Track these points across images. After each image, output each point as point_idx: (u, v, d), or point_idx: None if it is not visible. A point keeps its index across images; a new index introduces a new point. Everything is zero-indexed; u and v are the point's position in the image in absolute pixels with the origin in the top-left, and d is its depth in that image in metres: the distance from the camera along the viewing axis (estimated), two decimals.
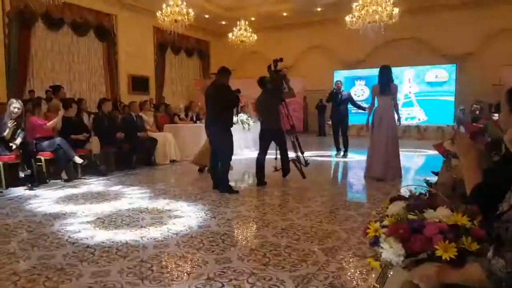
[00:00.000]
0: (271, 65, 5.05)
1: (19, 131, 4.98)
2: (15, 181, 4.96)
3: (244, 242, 3.01)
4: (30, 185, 4.86)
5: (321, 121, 14.03)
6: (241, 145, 8.57)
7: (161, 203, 4.17)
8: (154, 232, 3.19)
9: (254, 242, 2.99)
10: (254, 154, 8.54)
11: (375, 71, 5.87)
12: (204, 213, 3.79)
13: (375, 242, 1.18)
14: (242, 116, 8.38)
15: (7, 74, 9.35)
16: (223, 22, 15.29)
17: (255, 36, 12.44)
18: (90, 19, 11.30)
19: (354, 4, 9.27)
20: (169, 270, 2.48)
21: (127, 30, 12.49)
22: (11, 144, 4.90)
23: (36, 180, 4.98)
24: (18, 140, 4.89)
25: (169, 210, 3.88)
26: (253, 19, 14.31)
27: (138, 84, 13.10)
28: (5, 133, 4.87)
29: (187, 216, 3.69)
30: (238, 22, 12.29)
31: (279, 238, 3.06)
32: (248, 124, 8.40)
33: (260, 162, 5.04)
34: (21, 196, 4.49)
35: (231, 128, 4.75)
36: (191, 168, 6.31)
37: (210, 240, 3.00)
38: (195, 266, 2.52)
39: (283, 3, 13.40)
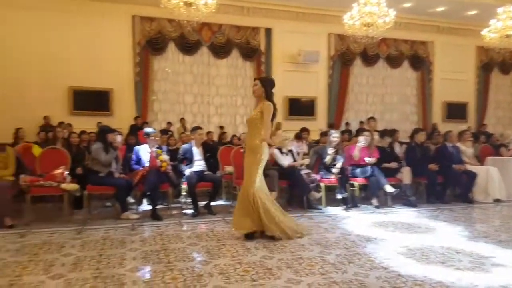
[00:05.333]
0: None
1: (338, 157, 5.91)
2: (332, 202, 5.87)
3: None
4: (345, 206, 5.62)
5: None
6: None
7: (482, 247, 3.69)
8: (474, 278, 2.88)
9: None
10: None
11: None
12: None
13: None
14: None
15: (328, 108, 11.49)
16: None
17: None
18: (405, 50, 12.01)
19: None
20: None
21: (444, 55, 12.28)
22: (331, 169, 5.88)
23: (350, 202, 5.70)
24: (339, 165, 5.80)
25: (493, 257, 3.36)
26: None
27: (454, 111, 12.47)
28: (326, 159, 5.92)
29: None
30: None
31: None
32: None
33: None
34: (337, 215, 5.24)
35: None
36: None
37: None
38: None
39: None
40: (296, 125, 9.34)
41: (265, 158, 4.03)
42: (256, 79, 4.20)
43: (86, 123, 8.62)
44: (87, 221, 4.79)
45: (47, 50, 9.02)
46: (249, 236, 3.95)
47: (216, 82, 10.65)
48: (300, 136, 7.41)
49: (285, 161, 5.75)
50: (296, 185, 5.60)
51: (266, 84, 4.05)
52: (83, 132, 6.82)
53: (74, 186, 4.90)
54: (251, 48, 10.71)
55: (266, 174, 5.34)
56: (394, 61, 12.02)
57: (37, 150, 5.67)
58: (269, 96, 4.01)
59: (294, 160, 5.87)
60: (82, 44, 9.27)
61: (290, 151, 5.94)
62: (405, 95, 12.38)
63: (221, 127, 10.12)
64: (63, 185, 4.82)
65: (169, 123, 9.61)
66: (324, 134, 7.76)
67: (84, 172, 5.35)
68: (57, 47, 9.08)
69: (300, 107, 11.13)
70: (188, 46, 10.25)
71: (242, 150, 5.57)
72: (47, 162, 5.25)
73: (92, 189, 4.96)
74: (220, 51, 10.51)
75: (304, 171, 5.74)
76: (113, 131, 5.32)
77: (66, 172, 5.00)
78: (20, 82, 8.79)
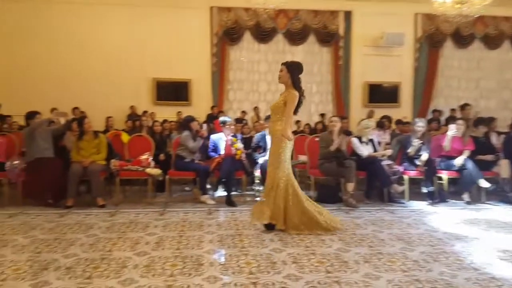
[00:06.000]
0: None
1: (423, 148, 5.52)
2: (417, 195, 5.53)
3: None
4: (431, 201, 5.25)
5: None
6: None
7: None
8: None
9: None
10: None
11: None
12: None
13: None
14: None
15: (414, 94, 10.78)
16: None
17: None
18: (506, 28, 10.73)
19: None
20: None
21: None
22: (415, 161, 5.52)
23: (437, 197, 5.30)
24: (424, 156, 5.42)
25: None
26: None
27: None
28: (409, 150, 5.56)
29: None
30: None
31: None
32: None
33: None
34: (422, 210, 4.92)
35: None
36: None
37: None
38: None
39: None
40: (377, 112, 8.96)
41: (289, 146, 3.84)
42: (282, 64, 3.88)
43: (168, 112, 9.20)
44: (168, 203, 5.16)
45: (133, 44, 9.76)
46: (269, 227, 3.85)
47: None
48: (382, 124, 7.07)
49: (365, 150, 5.52)
50: (376, 176, 5.36)
51: (292, 69, 3.80)
52: (165, 121, 7.29)
53: (157, 171, 5.29)
54: (328, 32, 10.44)
55: (342, 164, 5.23)
56: (492, 42, 10.81)
57: (125, 137, 6.19)
58: (295, 83, 3.79)
59: (375, 150, 5.62)
60: (164, 38, 9.87)
61: (371, 140, 5.70)
62: (505, 79, 11.09)
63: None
64: (148, 170, 5.23)
65: (243, 112, 9.84)
66: (399, 122, 7.31)
67: (166, 158, 5.75)
68: (141, 41, 9.78)
69: (382, 94, 10.62)
70: (263, 34, 10.32)
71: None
72: (134, 148, 5.75)
73: (173, 174, 5.33)
74: (296, 37, 10.41)
75: (385, 162, 5.48)
76: (195, 120, 5.63)
77: (151, 158, 5.42)
78: (110, 75, 9.65)
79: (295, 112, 3.82)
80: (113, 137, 6.15)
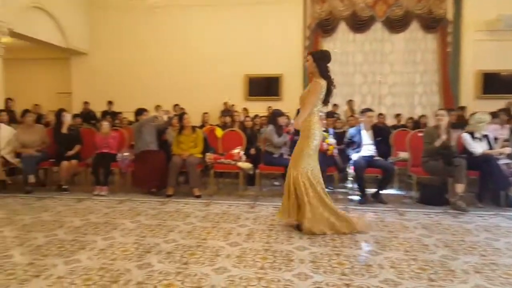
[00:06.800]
0: None
1: None
2: None
3: None
4: None
5: None
6: None
7: None
8: None
9: None
10: None
11: None
12: None
13: None
14: None
15: None
16: None
17: None
18: None
19: None
20: None
21: None
22: None
23: None
24: None
25: None
26: None
27: None
28: None
29: None
30: None
31: None
32: None
33: None
34: None
35: None
36: None
37: None
38: None
39: None
40: (493, 105, 7.96)
41: (317, 142, 3.74)
42: (308, 53, 3.88)
43: (259, 108, 9.41)
44: (258, 197, 5.27)
45: (228, 42, 10.17)
46: (299, 227, 3.72)
47: (390, 59, 10.02)
48: (498, 117, 6.27)
49: (478, 148, 4.96)
50: (491, 177, 4.77)
51: (318, 58, 3.77)
52: (256, 116, 7.45)
53: (248, 165, 5.46)
54: (434, 18, 9.60)
55: (450, 162, 4.75)
56: None
57: (219, 132, 6.49)
58: (323, 72, 3.73)
59: (490, 148, 5.01)
60: (257, 33, 10.10)
61: (486, 136, 5.09)
62: None
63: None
64: (239, 164, 5.42)
65: (335, 105, 9.56)
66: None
67: (256, 153, 5.88)
68: (236, 38, 10.15)
69: (500, 83, 9.41)
70: (359, 24, 9.91)
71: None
72: (227, 142, 6.00)
73: (263, 169, 5.43)
74: (396, 25, 9.79)
75: (503, 161, 4.85)
76: (283, 114, 5.64)
77: (242, 152, 5.60)
78: (206, 74, 10.21)
79: (326, 102, 3.82)
80: (208, 132, 6.49)
